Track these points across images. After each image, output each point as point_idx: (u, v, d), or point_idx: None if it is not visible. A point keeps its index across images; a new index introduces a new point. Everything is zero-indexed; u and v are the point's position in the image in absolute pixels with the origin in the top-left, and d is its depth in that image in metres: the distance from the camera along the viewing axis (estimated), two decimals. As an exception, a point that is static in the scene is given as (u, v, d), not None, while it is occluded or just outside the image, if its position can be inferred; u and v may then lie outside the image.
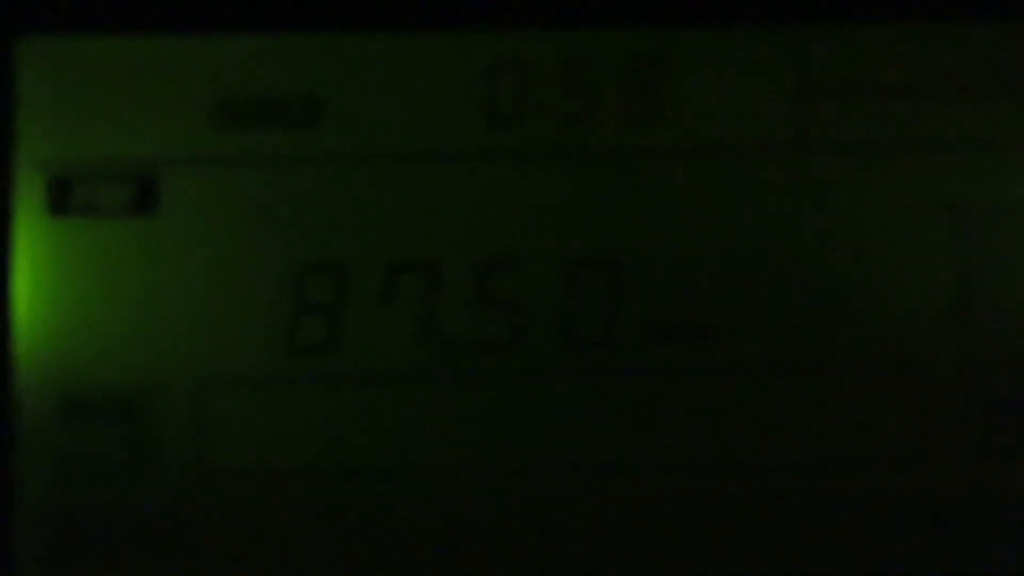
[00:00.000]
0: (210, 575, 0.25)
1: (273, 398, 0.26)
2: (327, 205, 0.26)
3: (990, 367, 0.26)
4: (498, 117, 0.26)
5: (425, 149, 0.26)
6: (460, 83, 0.26)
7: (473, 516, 0.26)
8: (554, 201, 0.26)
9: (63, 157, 0.26)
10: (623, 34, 0.26)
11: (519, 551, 0.26)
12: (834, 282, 0.26)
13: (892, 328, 0.26)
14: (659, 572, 0.25)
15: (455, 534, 0.26)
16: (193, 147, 0.26)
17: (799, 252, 0.26)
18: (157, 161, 0.26)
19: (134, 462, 0.25)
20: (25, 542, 0.25)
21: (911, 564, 0.26)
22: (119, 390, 0.25)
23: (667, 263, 0.26)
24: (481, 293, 0.26)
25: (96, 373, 0.25)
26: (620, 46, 0.26)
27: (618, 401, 0.26)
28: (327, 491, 0.25)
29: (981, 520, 0.26)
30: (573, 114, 0.26)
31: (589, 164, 0.26)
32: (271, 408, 0.26)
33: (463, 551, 0.25)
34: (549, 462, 0.26)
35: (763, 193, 0.26)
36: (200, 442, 0.26)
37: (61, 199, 0.26)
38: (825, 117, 0.26)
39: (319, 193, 0.26)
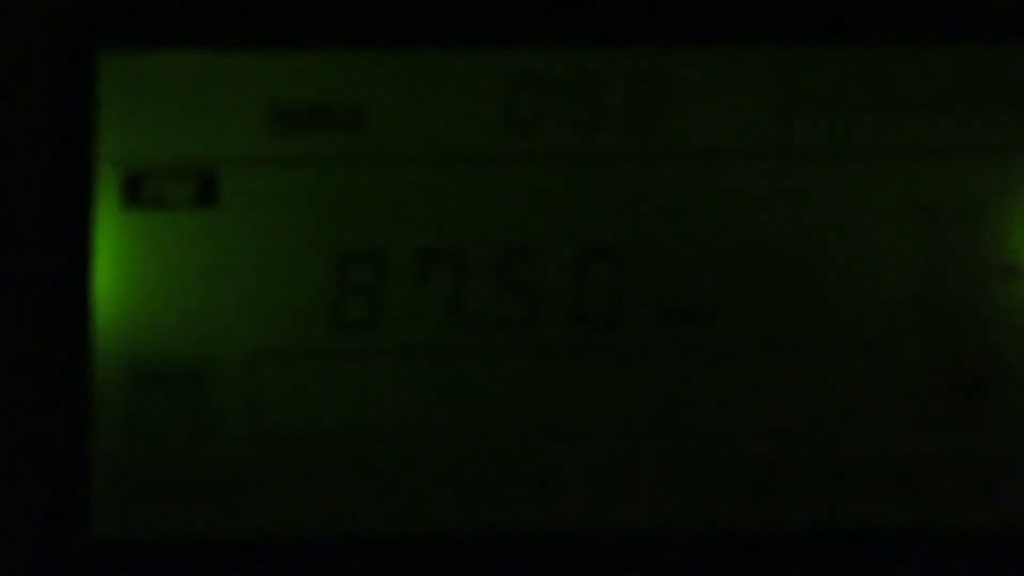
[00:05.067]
0: (262, 528, 0.27)
1: (319, 369, 0.27)
2: (368, 200, 0.28)
3: (952, 348, 0.28)
4: (518, 124, 0.28)
5: (454, 152, 0.28)
6: (485, 94, 0.28)
7: (493, 475, 0.27)
8: (567, 198, 0.28)
9: (136, 156, 0.27)
10: (629, 52, 0.28)
11: (533, 506, 0.27)
12: (814, 272, 0.28)
13: (865, 313, 0.28)
14: (657, 529, 0.27)
15: (477, 491, 0.27)
16: (250, 148, 0.28)
17: (784, 245, 0.28)
18: (218, 160, 0.27)
19: (195, 426, 0.27)
20: (98, 497, 0.27)
21: (881, 518, 0.27)
22: (183, 361, 0.27)
23: (667, 253, 0.28)
24: (502, 278, 0.28)
25: (163, 346, 0.27)
26: (626, 63, 0.28)
27: (624, 375, 0.28)
28: (366, 453, 0.27)
29: (941, 480, 0.27)
30: (584, 122, 0.28)
31: (598, 166, 0.28)
32: (317, 378, 0.27)
33: (484, 506, 0.27)
34: (562, 429, 0.27)
35: (751, 193, 0.28)
36: (254, 408, 0.27)
37: (134, 193, 0.27)
38: (806, 127, 0.28)
39: (361, 189, 0.28)
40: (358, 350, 0.28)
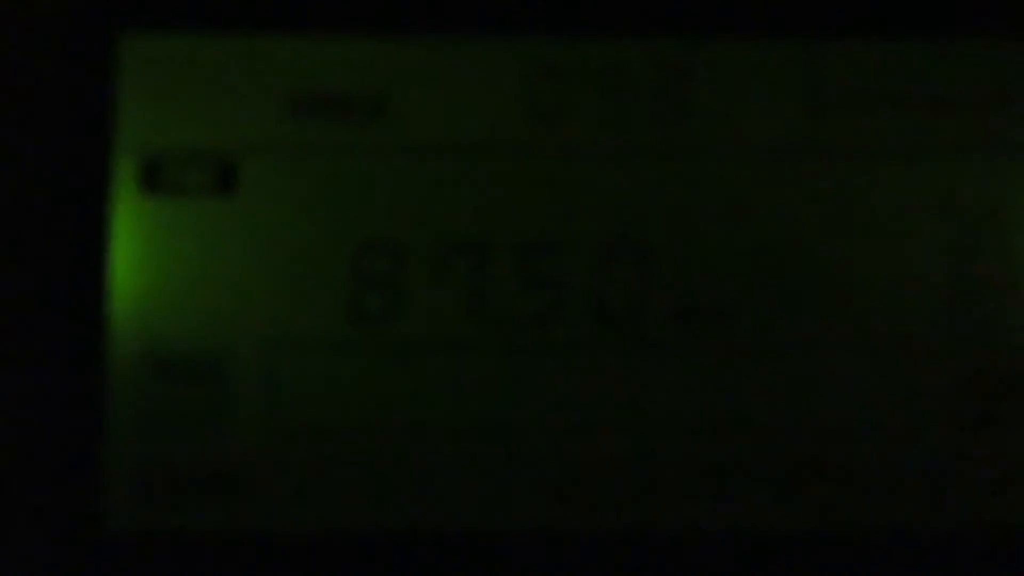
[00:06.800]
0: (278, 521, 0.27)
1: (336, 361, 0.27)
2: (387, 190, 0.28)
3: (981, 349, 0.28)
4: (539, 116, 0.28)
5: (475, 143, 0.28)
6: (506, 84, 0.28)
7: (510, 471, 0.27)
8: (589, 191, 0.28)
9: (155, 143, 0.27)
10: (652, 45, 0.28)
11: (551, 502, 0.27)
12: (840, 270, 0.28)
13: (892, 312, 0.28)
14: (677, 528, 0.27)
15: (494, 486, 0.27)
16: (269, 136, 0.27)
17: (809, 243, 0.28)
18: (237, 148, 0.27)
19: (211, 416, 0.27)
20: (114, 487, 0.27)
21: (910, 520, 0.27)
22: (199, 352, 0.27)
23: (690, 249, 0.28)
24: (523, 272, 0.28)
25: (180, 335, 0.27)
26: (650, 55, 0.28)
27: (645, 371, 0.27)
28: (383, 445, 0.27)
29: (972, 482, 0.27)
30: (607, 114, 0.28)
31: (620, 159, 0.28)
32: (334, 370, 0.27)
33: (502, 501, 0.27)
34: (582, 424, 0.27)
35: (776, 190, 0.28)
36: (269, 399, 0.27)
37: (152, 180, 0.27)
38: (832, 123, 0.28)
39: (381, 179, 0.28)
40: (375, 343, 0.28)
